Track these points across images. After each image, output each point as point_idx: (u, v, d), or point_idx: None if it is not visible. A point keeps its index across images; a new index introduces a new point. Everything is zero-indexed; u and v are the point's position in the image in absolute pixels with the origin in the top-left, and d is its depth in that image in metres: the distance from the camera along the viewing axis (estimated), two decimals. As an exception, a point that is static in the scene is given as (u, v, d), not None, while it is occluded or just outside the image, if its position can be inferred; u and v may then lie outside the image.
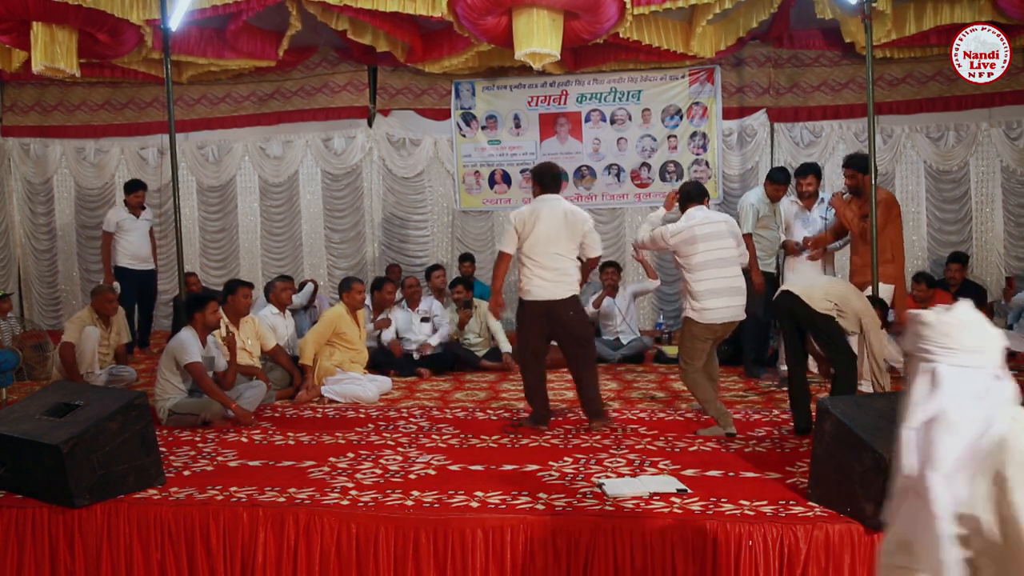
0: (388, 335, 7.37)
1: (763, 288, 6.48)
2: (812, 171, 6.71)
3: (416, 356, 7.24)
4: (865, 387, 4.95)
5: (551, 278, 5.02)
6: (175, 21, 6.05)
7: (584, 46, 8.30)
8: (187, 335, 5.55)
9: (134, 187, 8.51)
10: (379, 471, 4.36)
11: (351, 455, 4.68)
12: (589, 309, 7.94)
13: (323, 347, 6.44)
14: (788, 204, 6.74)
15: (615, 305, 7.88)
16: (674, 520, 3.55)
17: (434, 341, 7.36)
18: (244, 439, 5.12)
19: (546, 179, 5.20)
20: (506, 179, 9.64)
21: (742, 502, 3.71)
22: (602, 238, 9.47)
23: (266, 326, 6.53)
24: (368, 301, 7.21)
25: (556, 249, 5.02)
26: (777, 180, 6.72)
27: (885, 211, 5.95)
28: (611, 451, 4.62)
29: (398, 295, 7.83)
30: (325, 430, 5.29)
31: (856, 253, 6.22)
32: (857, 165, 6.05)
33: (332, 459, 4.60)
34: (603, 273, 8.06)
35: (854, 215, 6.03)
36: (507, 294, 6.05)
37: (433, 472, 4.33)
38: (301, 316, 7.59)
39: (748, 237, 6.59)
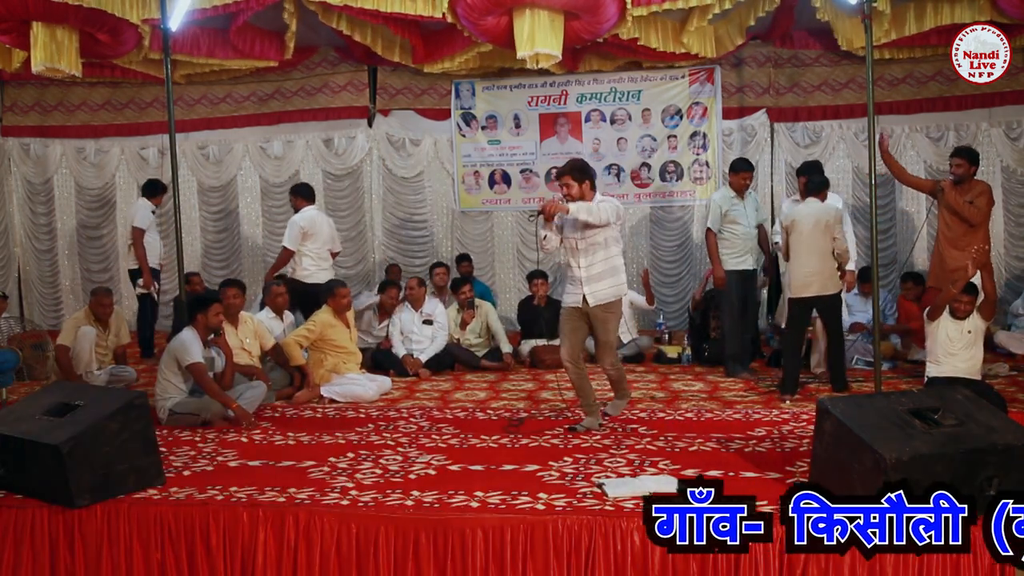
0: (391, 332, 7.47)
1: (723, 284, 6.54)
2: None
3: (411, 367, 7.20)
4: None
5: (327, 267, 7.37)
6: (175, 21, 6.05)
7: (584, 46, 8.30)
8: (189, 335, 5.55)
9: (161, 189, 8.21)
10: (379, 471, 4.36)
11: (351, 455, 4.69)
12: None
13: (315, 355, 6.46)
14: (790, 204, 6.72)
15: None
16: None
17: (424, 357, 7.18)
18: (244, 439, 5.13)
19: (309, 194, 7.46)
20: (506, 179, 9.63)
21: (742, 502, 3.71)
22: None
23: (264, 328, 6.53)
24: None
25: (329, 246, 7.42)
26: (739, 169, 6.69)
27: (990, 201, 6.34)
28: (611, 451, 4.63)
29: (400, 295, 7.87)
30: (325, 430, 5.30)
31: (950, 236, 6.35)
32: (968, 155, 6.35)
33: (332, 459, 4.60)
34: None
35: (962, 199, 6.25)
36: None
37: (433, 472, 4.34)
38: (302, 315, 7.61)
39: (710, 233, 6.61)
